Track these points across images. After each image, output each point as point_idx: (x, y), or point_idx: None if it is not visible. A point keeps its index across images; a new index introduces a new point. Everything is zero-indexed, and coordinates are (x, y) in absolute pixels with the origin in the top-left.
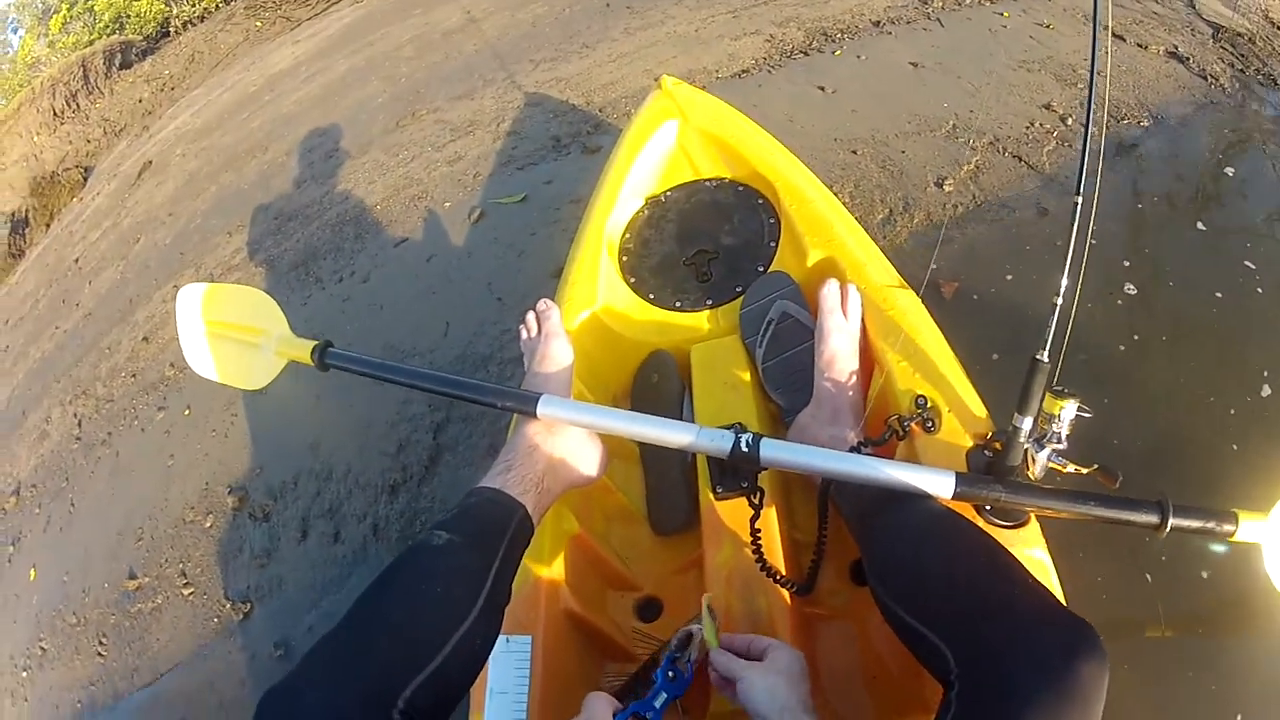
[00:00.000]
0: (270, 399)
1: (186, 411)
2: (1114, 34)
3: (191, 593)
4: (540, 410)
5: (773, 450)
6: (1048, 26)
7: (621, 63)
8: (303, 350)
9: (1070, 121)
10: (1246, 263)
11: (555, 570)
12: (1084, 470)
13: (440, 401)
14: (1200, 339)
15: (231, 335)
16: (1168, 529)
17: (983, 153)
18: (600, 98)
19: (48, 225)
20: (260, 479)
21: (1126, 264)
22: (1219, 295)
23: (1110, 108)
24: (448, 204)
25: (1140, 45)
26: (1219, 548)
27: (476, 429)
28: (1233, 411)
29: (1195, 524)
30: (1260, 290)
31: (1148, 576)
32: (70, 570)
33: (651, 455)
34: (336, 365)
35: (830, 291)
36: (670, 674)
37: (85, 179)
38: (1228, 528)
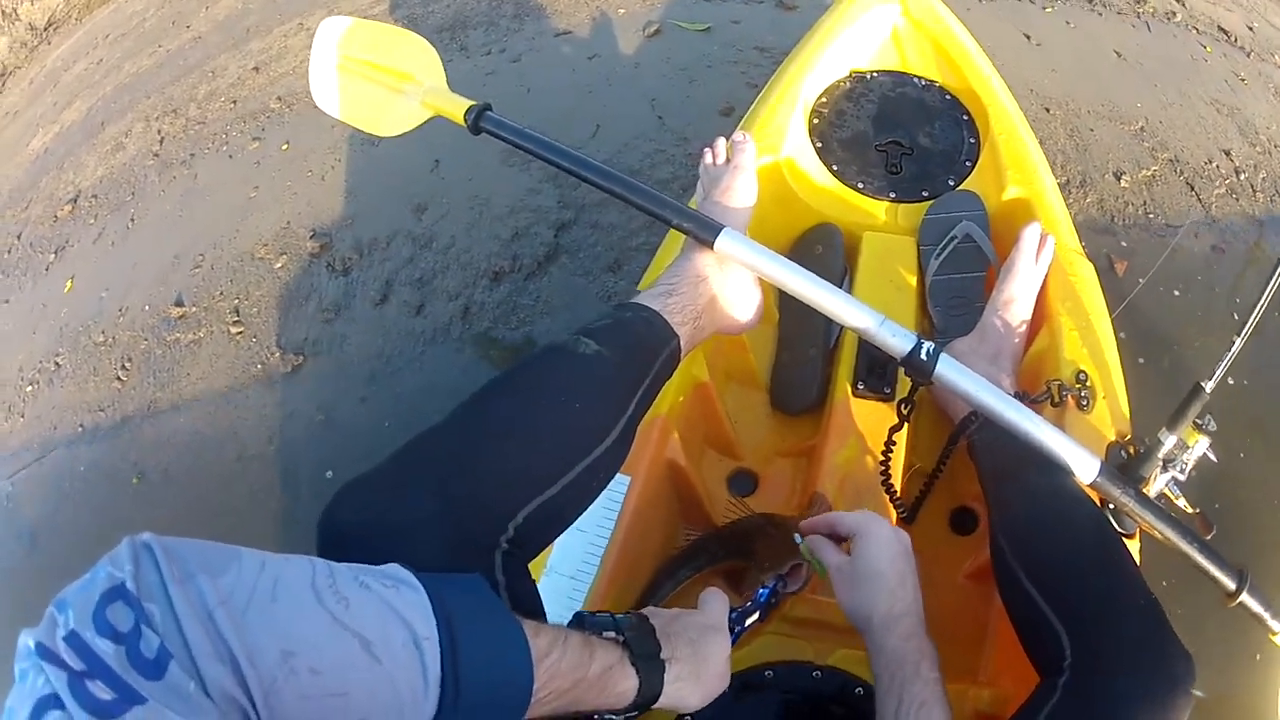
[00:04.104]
0: (382, 152)
1: (284, 146)
2: None
3: (240, 332)
4: (719, 243)
5: (948, 368)
6: (1242, 80)
7: None
8: (456, 108)
9: (1243, 177)
10: None
11: (672, 416)
12: (1190, 509)
13: (569, 199)
14: None
15: (375, 76)
16: (1238, 599)
17: (1162, 166)
18: None
19: None
20: (349, 230)
21: None
22: None
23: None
24: (622, 11)
25: None
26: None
27: (605, 239)
28: None
29: (1258, 608)
30: None
31: None
32: (111, 287)
33: (791, 327)
34: (492, 131)
35: (1032, 232)
36: (773, 599)
37: None
38: (1276, 625)
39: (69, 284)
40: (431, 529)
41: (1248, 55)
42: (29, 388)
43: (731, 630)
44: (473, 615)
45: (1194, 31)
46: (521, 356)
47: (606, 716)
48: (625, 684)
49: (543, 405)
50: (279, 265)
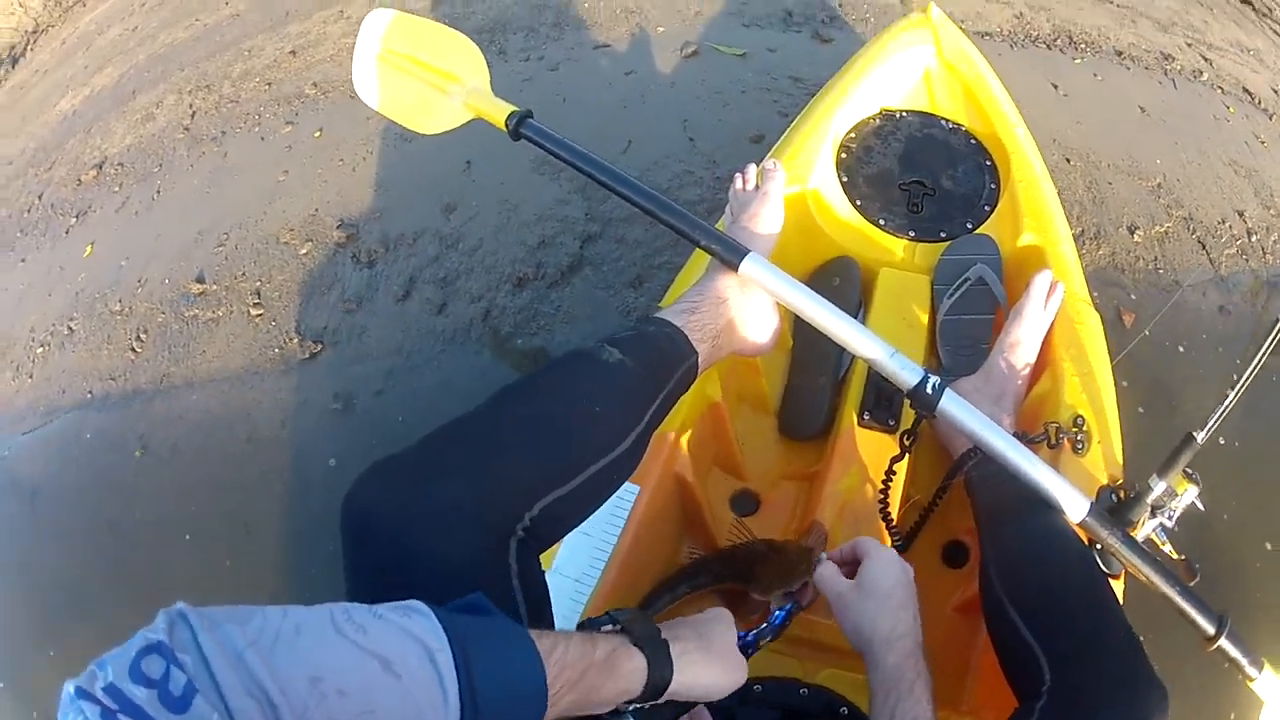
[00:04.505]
0: (415, 149)
1: (317, 133)
2: None
3: (260, 314)
4: (744, 266)
5: (951, 404)
6: (1262, 142)
7: None
8: (499, 112)
9: (1254, 239)
10: None
11: (684, 431)
12: (1176, 555)
13: (596, 213)
14: None
15: (418, 73)
16: (1216, 644)
17: (1175, 223)
18: None
19: None
20: (377, 223)
21: None
22: None
23: None
24: (661, 29)
25: None
26: None
27: (629, 255)
28: None
29: (1236, 653)
30: None
31: None
32: (132, 256)
33: (804, 355)
34: (532, 138)
35: (1042, 280)
36: (788, 620)
37: None
38: (1253, 671)
39: (89, 249)
40: (453, 513)
41: (1270, 117)
42: (39, 349)
43: (745, 649)
44: (478, 627)
45: (1219, 91)
46: (543, 361)
47: (630, 710)
48: (632, 663)
49: (565, 405)
50: (304, 251)
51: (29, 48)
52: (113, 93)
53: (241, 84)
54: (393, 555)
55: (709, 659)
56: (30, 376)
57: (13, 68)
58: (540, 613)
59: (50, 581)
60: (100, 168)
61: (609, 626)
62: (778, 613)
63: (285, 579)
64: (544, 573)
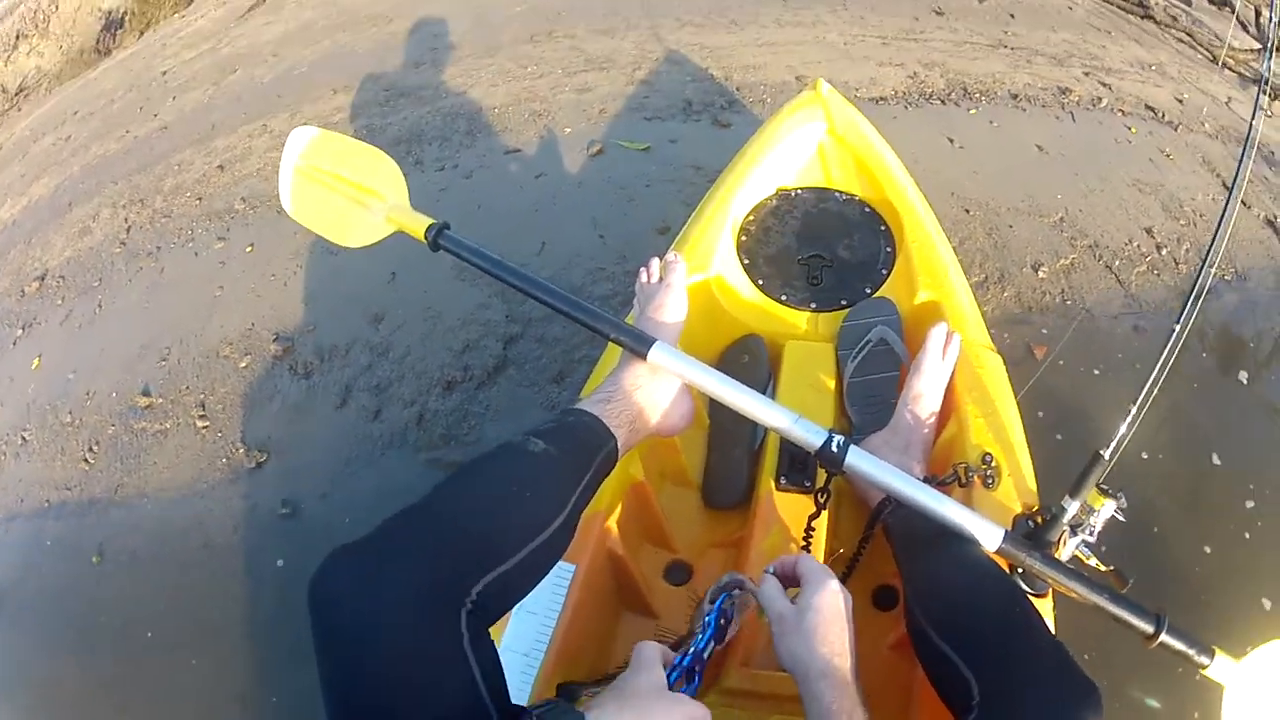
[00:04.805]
0: (342, 261)
1: (249, 249)
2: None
3: (206, 427)
4: (652, 355)
5: (857, 459)
6: (1168, 155)
7: (766, 51)
8: (418, 225)
9: (1164, 252)
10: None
11: (610, 510)
12: (1103, 567)
13: (516, 314)
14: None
15: (340, 189)
16: (1158, 641)
17: (1081, 253)
18: (740, 78)
19: (141, 32)
20: (310, 336)
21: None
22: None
23: (1200, 253)
24: (568, 130)
25: (1244, 204)
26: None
27: (549, 353)
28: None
29: (1181, 646)
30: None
31: None
32: (79, 370)
33: (720, 429)
34: (450, 249)
35: (938, 332)
36: (721, 619)
37: None
38: (1204, 659)
39: (36, 361)
40: (409, 589)
41: (1175, 129)
42: None
43: (692, 668)
44: None
45: (1119, 114)
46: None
47: None
48: None
49: (499, 493)
50: (244, 364)
51: None
52: (49, 203)
53: (173, 198)
54: (356, 629)
55: (629, 713)
56: None
57: None
58: (493, 676)
59: (17, 681)
60: (42, 279)
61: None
62: (709, 614)
63: (249, 672)
64: (494, 644)
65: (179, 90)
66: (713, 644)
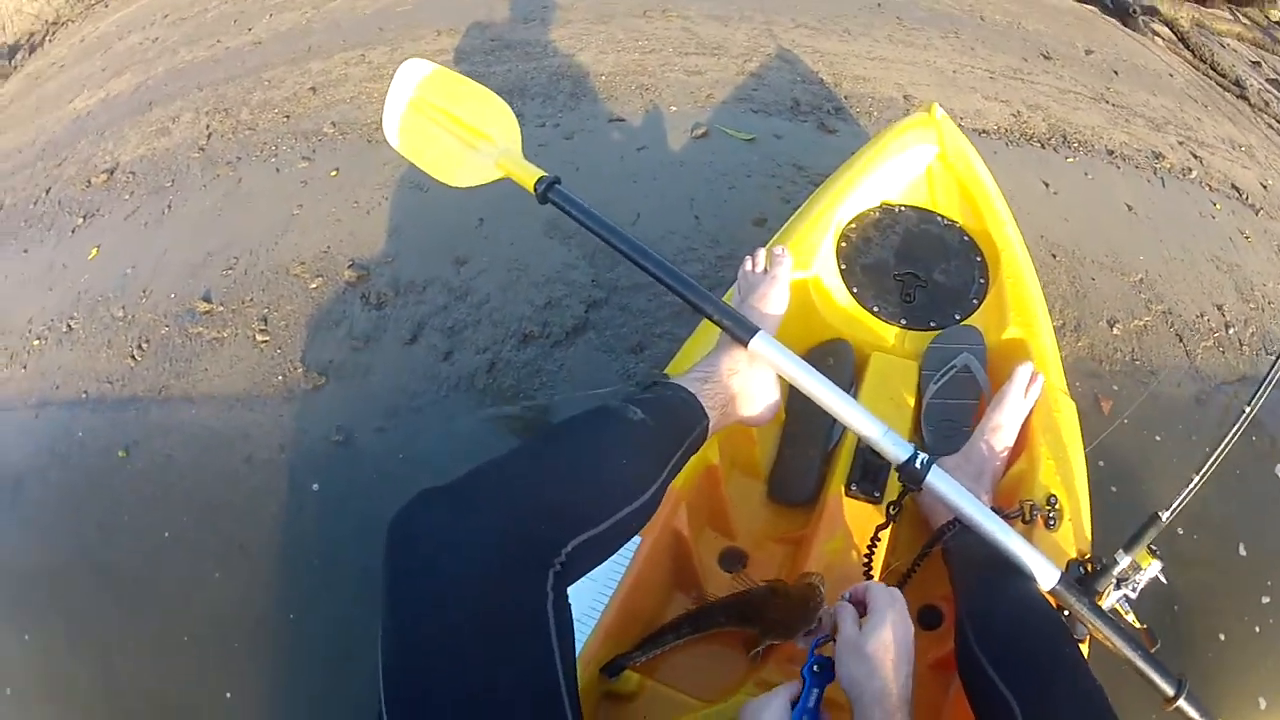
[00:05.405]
0: (430, 199)
1: (333, 173)
2: None
3: (266, 341)
4: (754, 344)
5: (937, 478)
6: (1246, 237)
7: (877, 65)
8: (528, 175)
9: (1231, 331)
10: None
11: (684, 489)
12: (1138, 624)
13: (603, 280)
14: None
15: (451, 127)
16: (1175, 704)
17: (1155, 317)
18: (849, 87)
19: None
20: (388, 268)
21: None
22: None
23: (1264, 338)
24: (674, 108)
25: None
26: None
27: (632, 323)
28: None
29: (1194, 713)
30: None
31: None
32: (138, 265)
33: (796, 426)
34: (558, 204)
35: (1024, 371)
36: (816, 667)
37: None
38: None
39: (94, 251)
40: (501, 539)
41: (1256, 213)
42: (36, 341)
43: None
44: None
45: (1206, 189)
46: (544, 416)
47: None
48: None
49: (596, 455)
50: (314, 286)
51: (47, 39)
52: (129, 101)
53: (260, 113)
54: (440, 571)
55: None
56: (24, 367)
57: (29, 55)
58: (567, 649)
59: (31, 570)
60: (111, 173)
61: None
62: (811, 657)
63: (272, 593)
64: (572, 613)
65: (276, 9)
66: (817, 691)
